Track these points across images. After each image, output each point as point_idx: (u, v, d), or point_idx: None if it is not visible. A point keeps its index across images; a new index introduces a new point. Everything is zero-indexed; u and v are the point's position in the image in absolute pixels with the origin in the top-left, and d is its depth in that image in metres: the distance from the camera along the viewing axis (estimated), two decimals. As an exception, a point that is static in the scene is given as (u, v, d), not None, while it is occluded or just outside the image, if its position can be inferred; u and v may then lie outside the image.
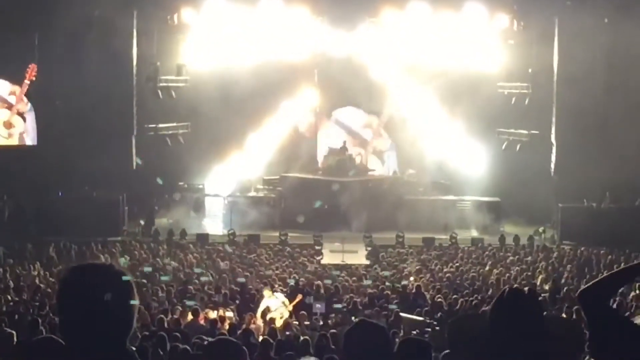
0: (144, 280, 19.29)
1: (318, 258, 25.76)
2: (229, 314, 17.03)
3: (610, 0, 29.18)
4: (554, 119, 31.31)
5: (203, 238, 27.71)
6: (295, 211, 30.43)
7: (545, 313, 3.84)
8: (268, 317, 17.17)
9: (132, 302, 3.15)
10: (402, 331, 14.93)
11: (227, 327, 15.03)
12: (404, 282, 20.74)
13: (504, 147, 32.41)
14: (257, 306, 17.82)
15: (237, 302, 18.58)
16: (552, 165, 31.37)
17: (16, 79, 30.22)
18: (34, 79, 29.92)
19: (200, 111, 31.27)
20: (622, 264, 22.37)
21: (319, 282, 20.55)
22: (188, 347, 11.44)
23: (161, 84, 31.81)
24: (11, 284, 19.11)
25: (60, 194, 29.46)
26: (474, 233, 29.88)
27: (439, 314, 17.14)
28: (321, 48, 32.23)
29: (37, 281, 19.74)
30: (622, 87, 29.13)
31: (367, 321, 4.51)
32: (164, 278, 19.75)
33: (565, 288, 19.59)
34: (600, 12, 29.09)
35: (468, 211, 31.00)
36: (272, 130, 33.69)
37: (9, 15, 28.70)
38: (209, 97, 30.44)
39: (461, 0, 30.88)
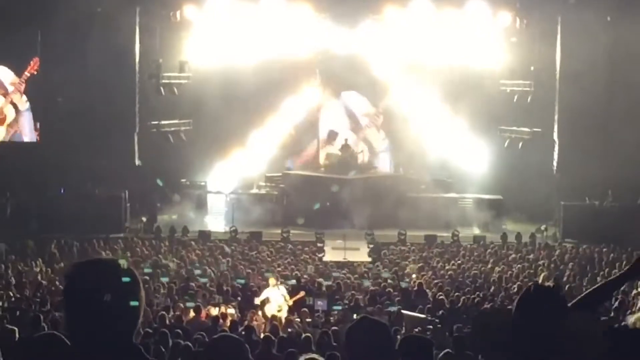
0: (147, 277, 19.30)
1: (320, 255, 25.76)
2: (231, 310, 17.05)
3: (612, -2, 29.21)
4: (556, 117, 31.30)
5: (205, 235, 27.72)
6: (297, 208, 30.44)
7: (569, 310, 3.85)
8: (265, 307, 17.27)
9: (138, 297, 3.15)
10: (404, 328, 14.93)
11: (228, 324, 15.04)
12: (406, 280, 20.74)
13: (506, 144, 32.39)
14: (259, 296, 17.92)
15: (239, 299, 18.61)
16: (555, 163, 31.36)
17: (18, 72, 30.40)
18: (35, 72, 29.97)
19: (203, 108, 31.26)
20: (624, 262, 22.39)
21: (321, 279, 20.57)
22: (190, 344, 11.46)
23: (163, 81, 31.80)
24: (13, 280, 19.13)
25: (62, 190, 29.45)
26: (476, 231, 29.85)
27: (440, 312, 17.15)
28: (324, 45, 32.22)
29: (39, 278, 19.77)
30: (625, 85, 29.11)
31: (369, 318, 4.50)
32: (163, 279, 19.74)
33: (567, 286, 19.57)
34: (603, 10, 29.06)
35: (470, 209, 30.98)
36: (274, 127, 33.68)
37: (12, 10, 28.73)
38: (211, 94, 30.42)
39: (464, -3, 30.91)
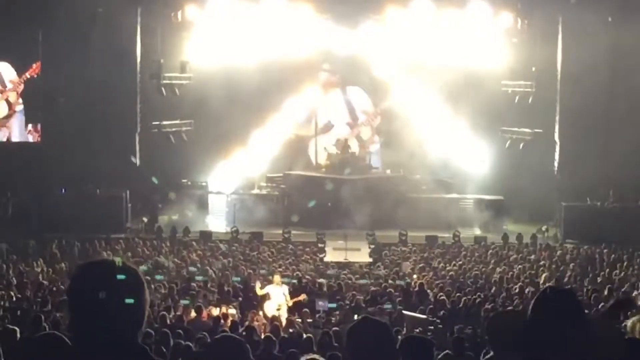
0: (148, 277, 19.31)
1: (321, 256, 25.75)
2: (232, 311, 17.05)
3: (614, -1, 29.22)
4: (557, 118, 31.29)
5: (206, 235, 27.71)
6: (298, 208, 30.45)
7: (587, 313, 3.86)
8: (265, 303, 17.35)
9: (142, 298, 3.15)
10: (404, 329, 14.93)
11: (229, 324, 15.04)
12: (406, 280, 20.73)
13: (507, 145, 32.38)
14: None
15: (240, 299, 18.61)
16: (556, 164, 31.36)
17: (19, 71, 30.54)
18: (35, 75, 30.01)
19: (204, 108, 31.26)
20: (625, 263, 22.39)
21: (322, 280, 20.57)
22: (191, 344, 11.45)
23: (165, 81, 31.80)
24: (14, 280, 19.13)
25: (63, 190, 29.46)
26: (477, 231, 29.84)
27: (441, 312, 17.15)
28: (325, 46, 32.23)
29: (40, 278, 19.77)
30: (626, 86, 29.11)
31: (370, 318, 4.51)
32: (158, 277, 19.76)
33: (568, 287, 19.57)
34: (604, 10, 29.07)
35: (471, 209, 30.97)
36: (276, 128, 33.70)
37: (14, 10, 28.76)
38: (212, 94, 30.42)
39: (465, -2, 30.92)
